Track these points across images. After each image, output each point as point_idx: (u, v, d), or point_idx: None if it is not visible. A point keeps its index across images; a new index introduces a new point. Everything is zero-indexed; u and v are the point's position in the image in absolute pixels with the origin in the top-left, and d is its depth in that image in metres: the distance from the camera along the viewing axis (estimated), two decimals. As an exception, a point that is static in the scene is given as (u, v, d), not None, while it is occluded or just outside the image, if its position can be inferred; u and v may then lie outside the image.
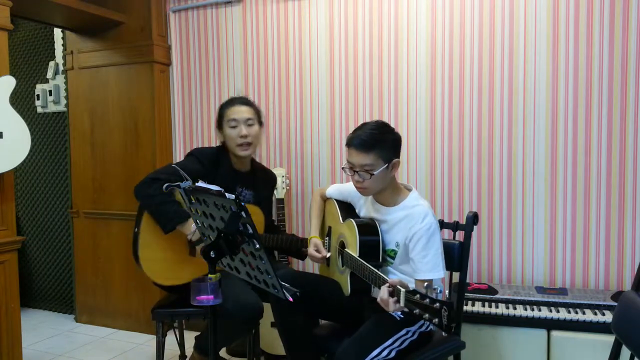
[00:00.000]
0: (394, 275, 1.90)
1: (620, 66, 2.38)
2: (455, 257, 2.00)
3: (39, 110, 3.75)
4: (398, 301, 1.46)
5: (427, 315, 1.32)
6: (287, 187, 2.91)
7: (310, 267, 3.00)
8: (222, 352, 2.92)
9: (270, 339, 2.78)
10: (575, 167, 2.47)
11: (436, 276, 1.76)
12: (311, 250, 2.09)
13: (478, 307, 2.26)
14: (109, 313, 3.44)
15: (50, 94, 3.68)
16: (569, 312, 2.17)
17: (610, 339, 1.66)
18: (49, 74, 3.68)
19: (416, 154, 2.74)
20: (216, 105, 2.79)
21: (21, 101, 3.82)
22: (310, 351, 1.98)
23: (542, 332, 2.17)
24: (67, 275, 3.74)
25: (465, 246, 1.98)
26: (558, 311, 2.18)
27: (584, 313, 2.15)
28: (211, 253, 1.41)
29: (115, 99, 3.30)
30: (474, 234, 2.24)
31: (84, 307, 3.54)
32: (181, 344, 2.61)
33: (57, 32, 3.59)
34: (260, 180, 2.50)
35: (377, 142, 1.78)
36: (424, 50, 2.70)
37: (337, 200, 2.17)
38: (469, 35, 2.62)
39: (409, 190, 1.92)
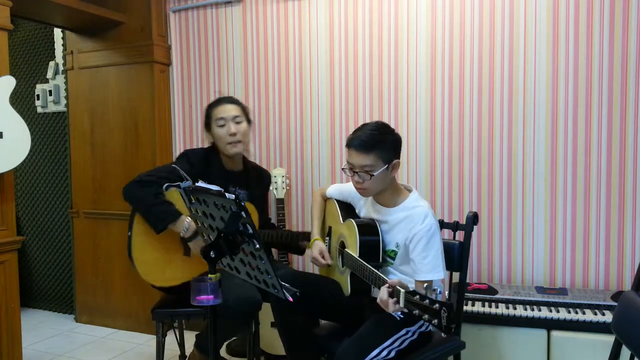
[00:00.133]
0: (394, 275, 1.90)
1: (620, 66, 2.38)
2: (455, 257, 2.00)
3: (39, 110, 3.75)
4: (398, 302, 1.46)
5: (426, 316, 1.32)
6: (287, 187, 2.91)
7: (310, 267, 3.00)
8: (222, 352, 2.92)
9: (270, 339, 2.78)
10: (575, 167, 2.47)
11: (436, 277, 1.76)
12: (315, 254, 2.08)
13: (478, 307, 2.26)
14: (109, 313, 3.44)
15: (50, 94, 3.68)
16: (569, 312, 2.17)
17: (610, 339, 1.66)
18: (49, 74, 3.68)
19: (416, 154, 2.74)
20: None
21: (21, 101, 3.82)
22: (310, 351, 1.98)
23: (542, 332, 2.17)
24: (67, 275, 3.74)
25: (465, 246, 1.98)
26: (558, 311, 2.18)
27: (584, 313, 2.15)
28: (211, 253, 1.41)
29: (115, 99, 3.30)
30: (474, 234, 2.24)
31: (84, 307, 3.55)
32: (181, 344, 2.61)
33: (57, 32, 3.59)
34: (253, 179, 2.48)
35: (377, 143, 1.78)
36: (424, 50, 2.70)
37: (337, 200, 2.17)
38: (469, 35, 2.62)
39: (409, 190, 1.92)
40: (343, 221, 2.04)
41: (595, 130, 2.43)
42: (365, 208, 2.03)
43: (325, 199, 2.28)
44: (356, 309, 1.97)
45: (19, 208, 3.91)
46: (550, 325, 2.16)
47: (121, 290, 3.36)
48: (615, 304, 2.11)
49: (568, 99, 2.47)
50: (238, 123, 2.34)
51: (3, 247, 2.42)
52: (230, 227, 1.39)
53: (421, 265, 1.77)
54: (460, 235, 2.03)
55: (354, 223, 1.91)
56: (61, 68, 3.59)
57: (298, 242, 2.43)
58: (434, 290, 1.35)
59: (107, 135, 3.34)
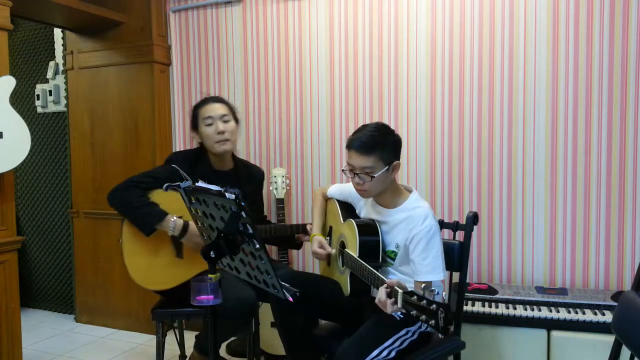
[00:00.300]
0: (394, 275, 1.90)
1: (620, 66, 2.38)
2: (455, 257, 2.00)
3: (39, 110, 3.75)
4: (395, 302, 1.46)
5: (423, 316, 1.32)
6: (287, 187, 2.91)
7: (310, 267, 3.00)
8: (222, 352, 2.92)
9: (270, 339, 2.78)
10: (575, 167, 2.47)
11: (436, 278, 1.76)
12: (315, 247, 2.08)
13: (478, 307, 2.26)
14: (109, 313, 3.44)
15: (50, 94, 3.68)
16: (569, 312, 2.17)
17: (610, 339, 1.66)
18: (49, 74, 3.68)
19: (416, 154, 2.74)
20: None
21: (21, 101, 3.82)
22: (310, 351, 1.98)
23: (542, 332, 2.17)
24: (67, 275, 3.74)
25: (465, 246, 1.98)
26: (558, 311, 2.18)
27: (584, 313, 2.15)
28: (211, 253, 1.41)
29: (115, 99, 3.30)
30: (474, 234, 2.24)
31: (84, 307, 3.54)
32: (181, 344, 2.61)
33: (57, 32, 3.59)
34: (244, 178, 2.45)
35: (378, 144, 1.78)
36: (424, 50, 2.70)
37: (338, 201, 2.17)
38: (469, 35, 2.62)
39: (409, 191, 1.92)
40: (343, 221, 2.04)
41: (595, 130, 2.43)
42: (366, 209, 2.03)
43: (326, 199, 2.28)
44: (356, 309, 1.97)
45: (19, 208, 3.91)
46: (550, 325, 2.16)
47: (121, 290, 3.36)
48: (615, 304, 2.11)
49: (568, 99, 2.47)
50: (226, 122, 2.32)
51: (3, 247, 2.42)
52: (230, 227, 1.39)
53: (421, 266, 1.76)
54: (460, 235, 2.03)
55: (354, 223, 1.91)
56: (61, 68, 3.59)
57: (293, 234, 2.41)
58: (432, 290, 1.35)
59: (107, 135, 3.34)
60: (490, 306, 2.26)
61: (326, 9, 2.88)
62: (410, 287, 1.56)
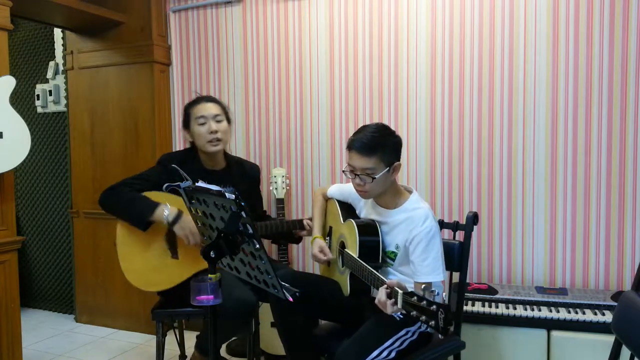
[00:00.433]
0: (394, 276, 1.89)
1: (620, 66, 2.38)
2: (455, 257, 2.00)
3: (39, 110, 3.75)
4: (395, 303, 1.46)
5: (423, 317, 1.32)
6: (287, 187, 2.91)
7: (310, 266, 3.00)
8: (223, 352, 2.92)
9: (270, 339, 2.78)
10: (575, 167, 2.47)
11: (436, 279, 1.76)
12: (315, 251, 2.08)
13: (478, 307, 2.26)
14: (109, 313, 3.44)
15: (50, 94, 3.68)
16: (569, 312, 2.17)
17: (610, 339, 1.66)
18: (49, 74, 3.68)
19: (416, 154, 2.74)
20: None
21: (21, 101, 3.82)
22: (310, 351, 1.98)
23: (542, 332, 2.17)
24: (67, 275, 3.74)
25: (465, 246, 1.98)
26: (558, 311, 2.18)
27: (584, 313, 2.15)
28: (211, 253, 1.41)
29: (115, 99, 3.30)
30: (474, 234, 2.24)
31: (84, 307, 3.55)
32: (181, 344, 2.61)
33: (57, 32, 3.59)
34: (237, 175, 2.43)
35: (379, 145, 1.78)
36: (424, 50, 2.70)
37: (338, 201, 2.17)
38: (469, 35, 2.62)
39: (410, 192, 1.92)
40: (343, 221, 2.04)
41: (595, 130, 2.43)
42: (366, 209, 2.03)
43: (326, 199, 2.28)
44: (356, 309, 1.97)
45: (19, 208, 3.91)
46: (550, 325, 2.16)
47: (121, 290, 3.36)
48: (615, 304, 2.11)
49: (568, 99, 2.47)
50: (219, 122, 2.32)
51: (3, 247, 2.42)
52: (230, 227, 1.39)
53: (421, 267, 1.76)
54: (460, 235, 2.03)
55: (354, 223, 1.91)
56: (61, 68, 3.59)
57: (290, 230, 2.40)
58: (432, 291, 1.35)
59: (107, 135, 3.34)
60: (490, 306, 2.26)
61: (326, 9, 2.88)
62: (410, 287, 1.56)
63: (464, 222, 1.99)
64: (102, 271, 3.42)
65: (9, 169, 2.36)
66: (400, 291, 1.44)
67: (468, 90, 2.63)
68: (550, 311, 2.18)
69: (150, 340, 3.18)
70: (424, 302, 1.33)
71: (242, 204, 1.35)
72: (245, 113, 3.13)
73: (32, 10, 2.90)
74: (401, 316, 1.73)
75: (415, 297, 1.36)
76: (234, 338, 2.95)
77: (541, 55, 2.49)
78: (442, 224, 2.07)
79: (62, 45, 3.52)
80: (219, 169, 2.40)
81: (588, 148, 2.45)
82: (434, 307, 1.29)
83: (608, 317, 2.10)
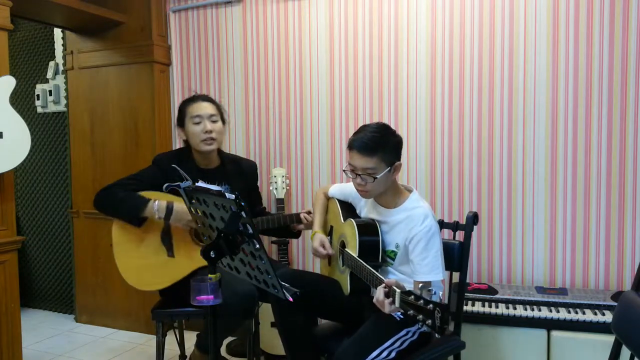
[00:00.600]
0: (394, 275, 1.90)
1: (620, 66, 2.38)
2: (455, 257, 2.00)
3: (39, 110, 3.75)
4: (393, 302, 1.46)
5: (420, 316, 1.32)
6: (287, 187, 2.91)
7: (310, 266, 3.01)
8: (223, 352, 2.92)
9: (270, 339, 2.78)
10: (575, 167, 2.47)
11: (435, 278, 1.76)
12: (316, 245, 2.07)
13: (478, 307, 2.26)
14: (109, 313, 3.44)
15: (50, 94, 3.68)
16: (569, 312, 2.17)
17: (610, 339, 1.66)
18: (49, 74, 3.68)
19: (416, 154, 2.74)
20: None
21: (21, 101, 3.82)
22: (310, 351, 1.98)
23: (542, 332, 2.17)
24: (67, 275, 3.74)
25: (465, 246, 1.98)
26: (558, 311, 2.18)
27: (584, 313, 2.15)
28: (211, 253, 1.41)
29: (115, 99, 3.30)
30: (474, 234, 2.24)
31: (84, 307, 3.55)
32: (181, 344, 2.61)
33: (57, 32, 3.59)
34: (232, 174, 2.43)
35: (380, 145, 1.78)
36: (424, 50, 2.70)
37: (339, 200, 2.17)
38: (469, 35, 2.62)
39: (410, 191, 1.92)
40: (344, 221, 2.04)
41: (595, 130, 2.43)
42: (366, 208, 2.03)
43: (328, 198, 2.28)
44: (356, 308, 1.97)
45: (19, 208, 3.91)
46: (550, 325, 2.16)
47: (121, 290, 3.36)
48: (615, 304, 2.11)
49: (568, 99, 2.47)
50: (214, 122, 2.32)
51: (3, 247, 2.42)
52: (230, 227, 1.39)
53: (420, 266, 1.76)
54: (460, 235, 2.03)
55: (354, 223, 1.91)
56: (61, 68, 3.59)
57: (287, 225, 2.39)
58: (429, 290, 1.35)
59: (107, 135, 3.34)
60: (490, 306, 2.26)
61: (326, 9, 2.88)
62: (409, 287, 1.56)
63: (464, 222, 1.99)
64: (102, 271, 3.42)
65: (9, 169, 2.36)
66: (397, 290, 1.44)
67: (468, 90, 2.63)
68: (550, 311, 2.19)
69: (150, 340, 3.18)
70: (421, 301, 1.33)
71: (242, 204, 1.35)
72: (245, 113, 3.13)
73: (32, 10, 2.90)
74: (401, 316, 1.73)
75: (413, 297, 1.36)
76: (233, 337, 2.95)
77: (541, 55, 2.49)
78: (442, 224, 2.07)
79: (62, 45, 3.52)
80: (213, 168, 2.40)
81: (588, 148, 2.45)
82: (431, 306, 1.29)
83: (608, 317, 2.10)
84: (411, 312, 1.36)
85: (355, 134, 1.84)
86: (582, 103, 2.44)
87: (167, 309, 2.26)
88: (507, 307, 2.24)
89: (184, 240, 2.26)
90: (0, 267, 2.42)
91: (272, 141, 3.07)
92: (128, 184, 2.28)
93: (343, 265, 1.98)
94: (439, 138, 2.70)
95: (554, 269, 2.53)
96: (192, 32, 3.23)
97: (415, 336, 1.78)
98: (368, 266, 1.73)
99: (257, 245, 1.40)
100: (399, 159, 1.84)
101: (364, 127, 1.85)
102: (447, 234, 2.25)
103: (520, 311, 2.20)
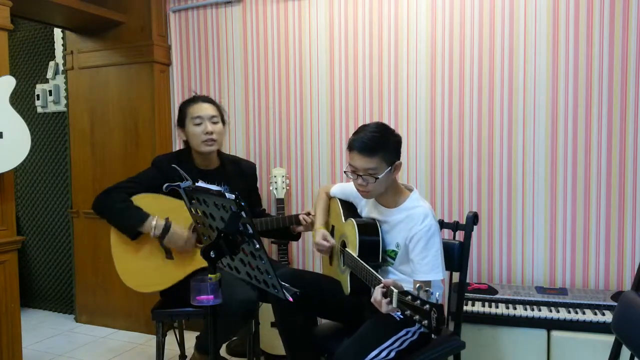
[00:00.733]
0: (394, 275, 1.90)
1: (620, 66, 2.38)
2: (455, 257, 2.00)
3: (39, 110, 3.75)
4: (391, 302, 1.46)
5: (417, 316, 1.32)
6: (287, 187, 2.91)
7: (311, 266, 3.01)
8: (223, 352, 2.92)
9: (270, 339, 2.78)
10: (575, 167, 2.47)
11: (435, 277, 1.76)
12: (319, 239, 2.07)
13: (478, 307, 2.26)
14: (109, 313, 3.44)
15: (50, 94, 3.68)
16: (569, 312, 2.17)
17: (610, 339, 1.66)
18: (49, 74, 3.68)
19: (416, 154, 2.74)
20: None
21: (21, 101, 3.82)
22: (310, 351, 1.98)
23: (542, 332, 2.17)
24: (67, 275, 3.74)
25: (465, 246, 1.98)
26: (558, 311, 2.18)
27: (584, 313, 2.15)
28: (211, 253, 1.41)
29: (115, 99, 3.30)
30: (474, 234, 2.24)
31: (84, 307, 3.55)
32: (181, 344, 2.61)
33: (57, 32, 3.59)
34: (232, 175, 2.43)
35: (380, 145, 1.78)
36: (424, 50, 2.70)
37: (340, 200, 2.17)
38: (469, 35, 2.62)
39: (410, 190, 1.92)
40: (345, 220, 2.04)
41: (595, 130, 2.43)
42: (367, 208, 2.03)
43: (330, 197, 2.28)
44: (356, 308, 1.97)
45: (19, 208, 3.91)
46: (550, 325, 2.16)
47: (121, 290, 3.35)
48: (615, 304, 2.11)
49: (568, 99, 2.47)
50: (215, 123, 2.33)
51: (3, 247, 2.42)
52: (231, 227, 1.39)
53: (420, 266, 1.76)
54: (460, 235, 2.03)
55: (355, 222, 1.91)
56: (61, 68, 3.59)
57: (287, 226, 2.38)
58: (427, 290, 1.35)
59: (107, 135, 3.34)
60: (490, 306, 2.26)
61: (326, 9, 2.88)
62: (409, 287, 1.56)
63: (464, 222, 1.99)
64: (102, 271, 3.42)
65: (9, 169, 2.36)
66: (395, 290, 1.44)
67: (468, 90, 2.63)
68: (550, 311, 2.19)
69: (150, 340, 3.18)
70: (418, 301, 1.33)
71: (242, 204, 1.35)
72: (245, 113, 3.13)
73: (32, 10, 2.90)
74: (401, 316, 1.73)
75: (410, 297, 1.36)
76: (234, 338, 2.95)
77: (541, 55, 2.49)
78: (442, 224, 2.07)
79: (62, 45, 3.52)
80: (213, 169, 2.41)
81: (588, 148, 2.45)
82: (427, 306, 1.29)
83: (608, 317, 2.10)
84: (408, 312, 1.36)
85: (354, 134, 1.84)
86: (582, 103, 2.44)
87: (167, 309, 2.26)
88: (507, 307, 2.24)
89: None
90: (0, 267, 2.42)
91: (272, 141, 3.07)
92: (128, 187, 2.27)
93: (343, 265, 1.99)
94: (439, 138, 2.70)
95: (554, 269, 2.53)
96: (192, 32, 3.23)
97: (415, 336, 1.78)
98: (367, 266, 1.73)
99: (257, 245, 1.40)
100: (399, 158, 1.84)
101: (363, 127, 1.85)
102: (447, 234, 2.25)
103: (520, 311, 2.20)
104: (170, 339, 2.61)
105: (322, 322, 2.14)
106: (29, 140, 2.39)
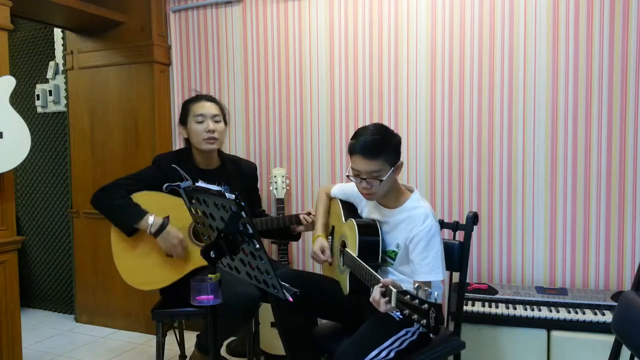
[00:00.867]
0: (394, 275, 1.90)
1: (620, 66, 2.38)
2: (455, 257, 2.00)
3: (39, 110, 3.75)
4: (389, 302, 1.46)
5: (415, 316, 1.32)
6: (287, 187, 2.91)
7: (311, 266, 3.00)
8: (223, 352, 2.92)
9: (270, 339, 2.78)
10: (575, 167, 2.47)
11: (435, 278, 1.76)
12: (316, 248, 2.08)
13: (478, 307, 2.26)
14: (109, 313, 3.44)
15: (50, 94, 3.68)
16: (569, 312, 2.17)
17: (610, 339, 1.66)
18: (49, 74, 3.68)
19: (416, 154, 2.74)
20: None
21: (21, 101, 3.82)
22: (310, 351, 1.98)
23: (542, 332, 2.17)
24: (67, 275, 3.74)
25: (465, 246, 1.98)
26: (558, 311, 2.18)
27: (584, 313, 2.15)
28: (211, 253, 1.41)
29: (115, 99, 3.30)
30: (474, 234, 2.24)
31: (84, 307, 3.55)
32: (181, 344, 2.61)
33: (57, 32, 3.59)
34: (232, 174, 2.43)
35: (382, 147, 1.77)
36: (424, 50, 2.70)
37: (340, 200, 2.17)
38: (469, 35, 2.62)
39: (411, 191, 1.92)
40: (345, 221, 2.04)
41: (595, 130, 2.43)
42: (368, 208, 2.03)
43: (330, 198, 2.27)
44: (356, 308, 1.97)
45: (19, 208, 3.91)
46: (550, 325, 2.16)
47: (121, 290, 3.36)
48: (615, 304, 2.11)
49: (568, 99, 2.47)
50: (217, 122, 2.33)
51: (3, 247, 2.42)
52: (231, 227, 1.39)
53: (420, 266, 1.76)
54: (460, 235, 2.03)
55: (355, 223, 1.91)
56: (61, 68, 3.59)
57: (287, 226, 2.38)
58: (426, 290, 1.35)
59: (107, 135, 3.34)
60: (490, 306, 2.26)
61: (326, 9, 2.88)
62: (408, 287, 1.56)
63: (464, 222, 1.99)
64: (102, 271, 3.42)
65: (9, 169, 2.36)
66: (394, 290, 1.44)
67: (468, 90, 2.63)
68: (550, 311, 2.19)
69: (150, 340, 3.18)
70: (416, 301, 1.33)
71: (242, 204, 1.35)
72: (245, 113, 3.13)
73: (32, 10, 2.90)
74: (401, 316, 1.73)
75: (408, 296, 1.36)
76: (234, 338, 2.95)
77: (541, 55, 2.49)
78: (442, 224, 2.07)
79: (62, 45, 3.52)
80: (213, 168, 2.41)
81: (588, 148, 2.45)
82: (426, 306, 1.29)
83: (608, 317, 2.10)
84: (407, 311, 1.36)
85: (354, 137, 1.83)
86: (582, 103, 2.44)
87: (167, 309, 2.26)
88: (507, 307, 2.24)
89: None
90: (0, 267, 2.42)
91: (272, 141, 3.07)
92: (127, 184, 2.28)
93: (343, 265, 1.99)
94: (439, 138, 2.70)
95: (554, 269, 2.53)
96: (192, 32, 3.23)
97: (415, 336, 1.78)
98: (366, 266, 1.73)
99: (257, 245, 1.40)
100: (399, 158, 1.84)
101: (363, 129, 1.84)
102: (447, 234, 2.25)
103: (520, 311, 2.20)
104: (170, 339, 2.61)
105: (322, 322, 2.14)
106: (29, 140, 2.39)
